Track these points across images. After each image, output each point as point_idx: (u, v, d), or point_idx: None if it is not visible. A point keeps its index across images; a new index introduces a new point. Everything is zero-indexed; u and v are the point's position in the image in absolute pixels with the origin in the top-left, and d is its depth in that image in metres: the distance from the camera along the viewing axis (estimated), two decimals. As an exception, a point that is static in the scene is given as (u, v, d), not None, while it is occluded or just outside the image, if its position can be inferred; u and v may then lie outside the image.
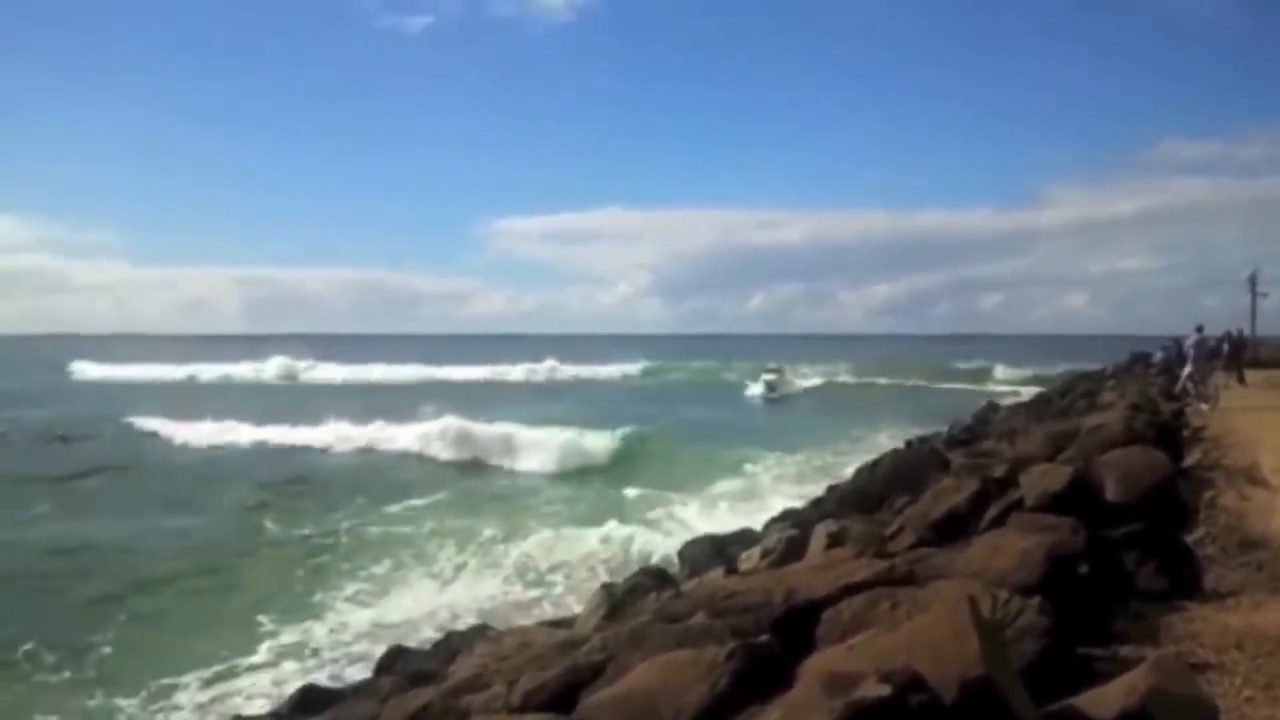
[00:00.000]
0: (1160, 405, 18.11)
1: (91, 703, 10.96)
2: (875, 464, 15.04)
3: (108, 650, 12.60)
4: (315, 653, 12.33)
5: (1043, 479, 7.97)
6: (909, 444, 19.51)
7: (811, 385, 69.71)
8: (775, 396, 59.06)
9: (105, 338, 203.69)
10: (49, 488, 24.98)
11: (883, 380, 75.26)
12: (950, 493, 8.07)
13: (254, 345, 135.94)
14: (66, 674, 11.89)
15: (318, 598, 14.82)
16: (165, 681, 11.32)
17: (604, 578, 13.47)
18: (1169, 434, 14.03)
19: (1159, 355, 35.06)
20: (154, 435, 36.79)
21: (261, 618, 13.78)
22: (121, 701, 10.92)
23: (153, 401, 46.58)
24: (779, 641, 4.89)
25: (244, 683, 11.38)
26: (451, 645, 10.44)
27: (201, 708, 10.72)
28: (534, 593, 14.54)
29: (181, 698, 10.96)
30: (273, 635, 13.03)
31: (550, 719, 4.75)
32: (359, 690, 9.52)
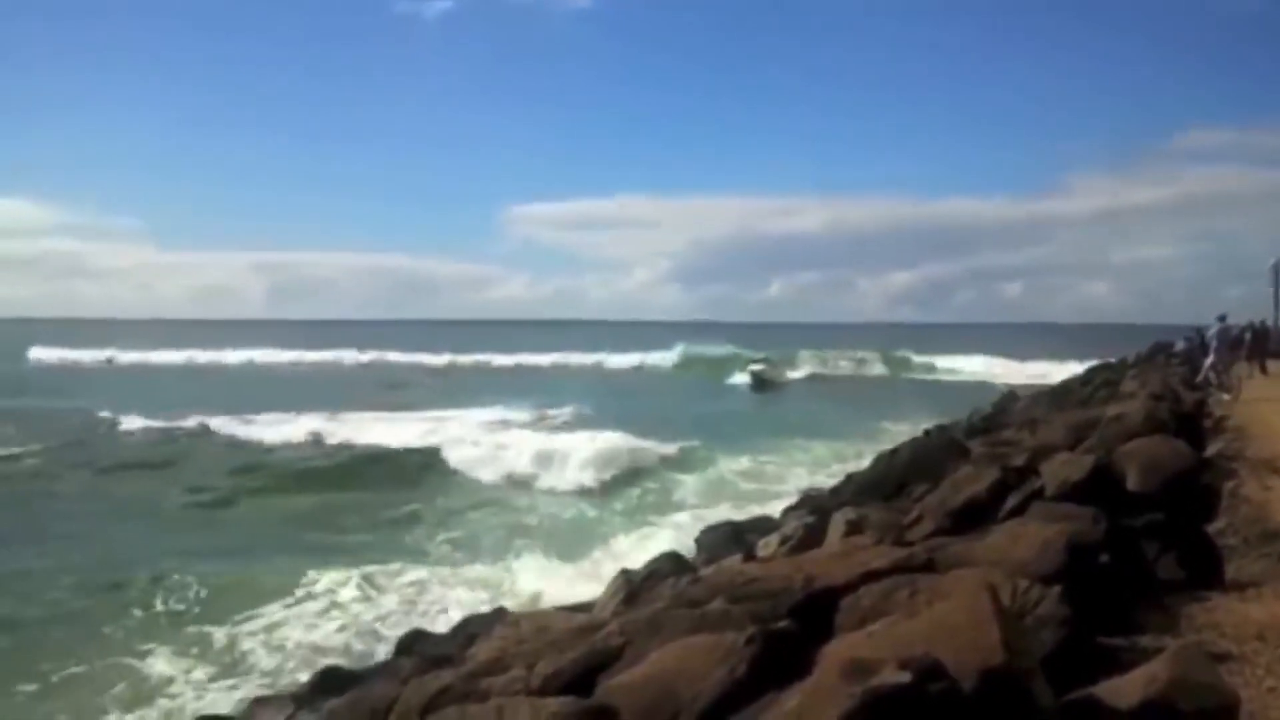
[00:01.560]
0: (1182, 395, 18.01)
1: (190, 630, 13.14)
2: (894, 452, 15.01)
3: (203, 592, 14.71)
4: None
5: (1063, 468, 7.96)
6: (927, 432, 19.44)
7: (801, 376, 68.70)
8: (761, 387, 58.34)
9: (125, 322, 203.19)
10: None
11: (880, 370, 74.80)
12: (970, 481, 8.05)
13: (270, 330, 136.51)
14: (172, 608, 14.09)
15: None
16: (247, 612, 13.57)
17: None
18: (1191, 424, 13.97)
19: (1181, 345, 34.84)
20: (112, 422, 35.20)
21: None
22: (209, 629, 13.01)
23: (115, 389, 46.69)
24: (798, 628, 4.90)
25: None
26: (469, 629, 10.49)
27: (271, 627, 13.16)
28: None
29: (252, 625, 13.21)
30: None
31: (569, 702, 4.76)
32: (379, 672, 9.59)
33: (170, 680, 11.48)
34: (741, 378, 61.06)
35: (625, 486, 23.66)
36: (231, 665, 11.98)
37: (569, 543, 17.51)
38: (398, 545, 17.90)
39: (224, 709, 10.37)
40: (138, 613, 13.86)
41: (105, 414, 36.07)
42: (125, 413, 35.62)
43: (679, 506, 20.88)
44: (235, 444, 31.16)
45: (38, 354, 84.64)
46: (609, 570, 12.69)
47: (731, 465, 25.69)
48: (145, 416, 35.00)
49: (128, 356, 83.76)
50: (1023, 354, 71.82)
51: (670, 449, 27.48)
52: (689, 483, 23.59)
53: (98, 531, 19.09)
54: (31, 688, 11.18)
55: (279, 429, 32.99)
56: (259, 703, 9.69)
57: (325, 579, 14.97)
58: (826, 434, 31.12)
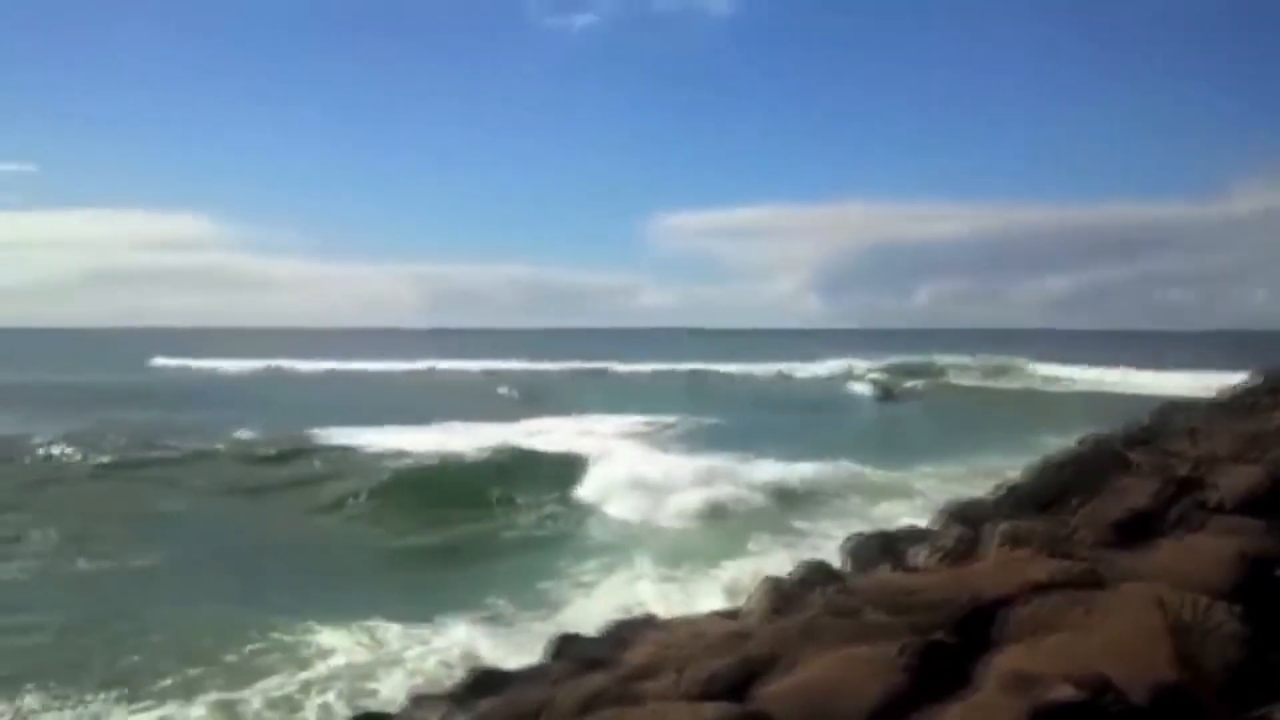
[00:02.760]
0: (1361, 404, 17.02)
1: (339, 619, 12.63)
2: (1050, 461, 14.59)
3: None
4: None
5: (1233, 479, 7.65)
6: (1084, 443, 18.84)
7: (938, 385, 65.92)
8: (887, 397, 56.25)
9: (287, 331, 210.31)
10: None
11: (1029, 378, 71.63)
12: (1133, 492, 7.81)
13: (424, 339, 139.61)
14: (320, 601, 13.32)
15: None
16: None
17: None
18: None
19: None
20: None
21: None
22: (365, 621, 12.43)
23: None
24: (957, 640, 4.84)
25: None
26: (620, 633, 10.58)
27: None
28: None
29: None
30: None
31: (726, 707, 4.81)
32: (532, 674, 9.76)
33: (331, 651, 11.95)
34: (864, 387, 59.32)
35: (762, 503, 22.55)
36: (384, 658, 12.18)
37: (692, 567, 16.56)
38: (526, 571, 16.62)
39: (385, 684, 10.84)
40: (284, 604, 13.45)
41: (241, 426, 34.46)
42: (257, 423, 34.73)
43: (814, 519, 20.26)
44: (363, 454, 29.24)
45: (162, 362, 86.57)
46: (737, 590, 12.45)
47: (863, 477, 24.53)
48: (275, 426, 34.09)
49: (279, 364, 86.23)
50: (1185, 362, 67.85)
51: (802, 462, 25.01)
52: (823, 496, 22.65)
53: (240, 535, 19.02)
54: (200, 667, 11.37)
55: (410, 437, 30.77)
56: (417, 700, 9.95)
57: (461, 584, 15.09)
58: (966, 446, 28.91)
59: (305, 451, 29.78)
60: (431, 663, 11.81)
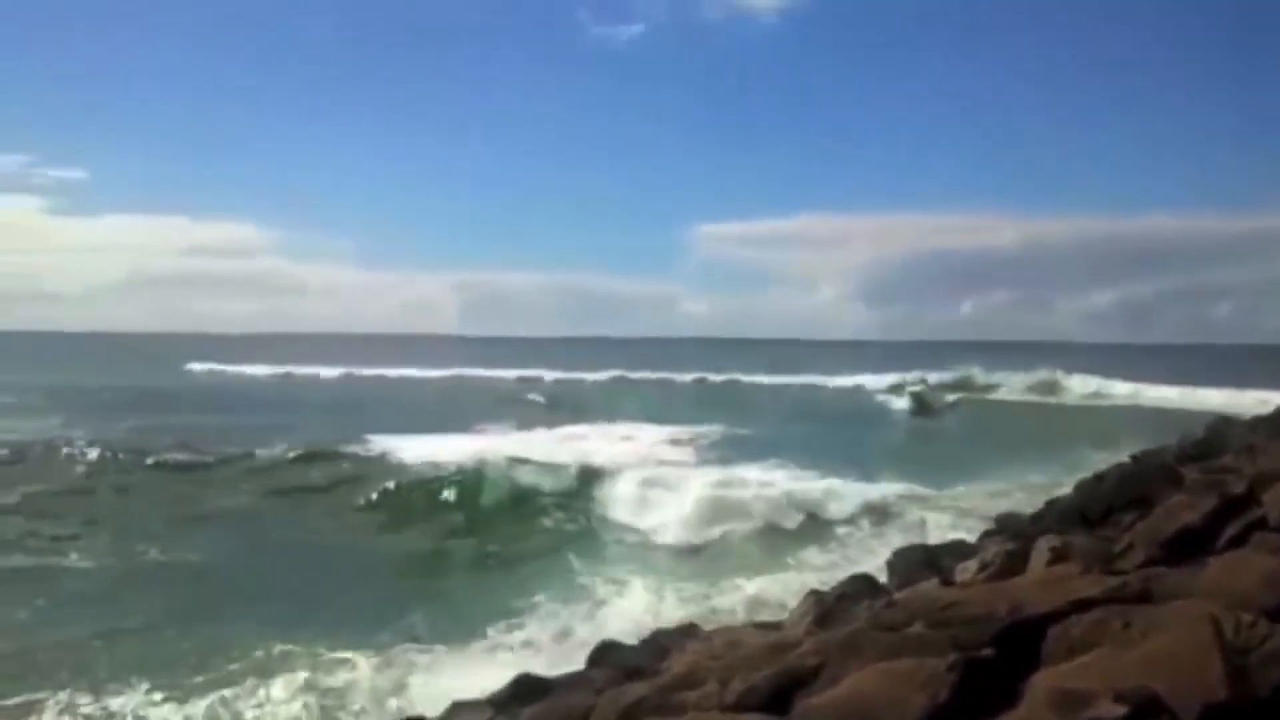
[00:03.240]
0: None
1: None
2: (1099, 477, 14.40)
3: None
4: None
5: (1285, 497, 7.50)
6: (1135, 458, 18.56)
7: (977, 399, 64.53)
8: (923, 411, 55.11)
9: (327, 337, 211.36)
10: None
11: (1075, 393, 70.08)
12: (1184, 509, 7.67)
13: (459, 347, 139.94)
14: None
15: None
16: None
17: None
18: None
19: None
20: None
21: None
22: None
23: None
24: (1002, 656, 4.78)
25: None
26: (660, 642, 10.56)
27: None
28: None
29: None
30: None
31: (766, 719, 4.78)
32: (573, 681, 9.77)
33: (358, 656, 11.77)
34: (903, 401, 58.52)
35: (798, 516, 21.31)
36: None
37: (724, 579, 15.92)
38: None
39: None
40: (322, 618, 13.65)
41: (280, 431, 34.70)
42: (296, 429, 34.97)
43: (853, 532, 19.75)
44: (396, 461, 28.42)
45: (196, 367, 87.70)
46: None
47: (904, 491, 23.58)
48: (312, 432, 34.04)
49: (318, 371, 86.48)
50: (1236, 378, 66.33)
51: (840, 476, 24.00)
52: (862, 510, 21.71)
53: (272, 541, 19.14)
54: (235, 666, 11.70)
55: (443, 444, 29.81)
56: (459, 706, 10.00)
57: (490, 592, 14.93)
58: (1007, 461, 27.26)
59: (339, 457, 29.43)
60: (459, 669, 11.94)
